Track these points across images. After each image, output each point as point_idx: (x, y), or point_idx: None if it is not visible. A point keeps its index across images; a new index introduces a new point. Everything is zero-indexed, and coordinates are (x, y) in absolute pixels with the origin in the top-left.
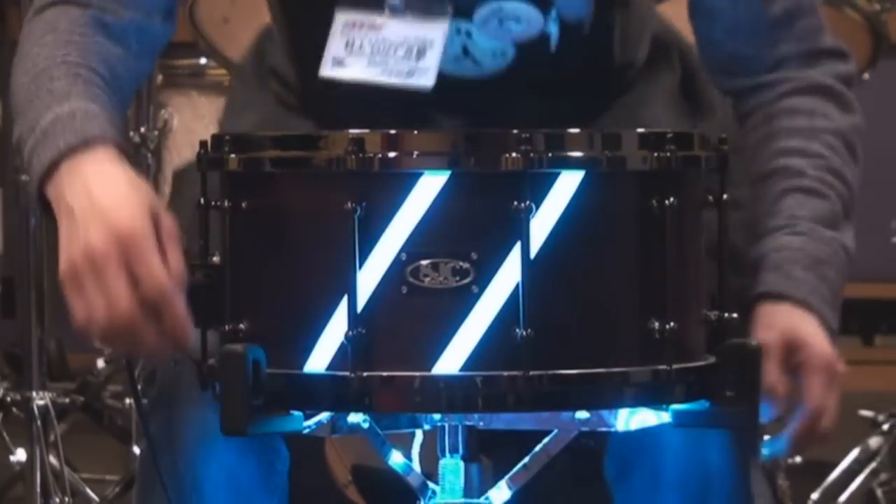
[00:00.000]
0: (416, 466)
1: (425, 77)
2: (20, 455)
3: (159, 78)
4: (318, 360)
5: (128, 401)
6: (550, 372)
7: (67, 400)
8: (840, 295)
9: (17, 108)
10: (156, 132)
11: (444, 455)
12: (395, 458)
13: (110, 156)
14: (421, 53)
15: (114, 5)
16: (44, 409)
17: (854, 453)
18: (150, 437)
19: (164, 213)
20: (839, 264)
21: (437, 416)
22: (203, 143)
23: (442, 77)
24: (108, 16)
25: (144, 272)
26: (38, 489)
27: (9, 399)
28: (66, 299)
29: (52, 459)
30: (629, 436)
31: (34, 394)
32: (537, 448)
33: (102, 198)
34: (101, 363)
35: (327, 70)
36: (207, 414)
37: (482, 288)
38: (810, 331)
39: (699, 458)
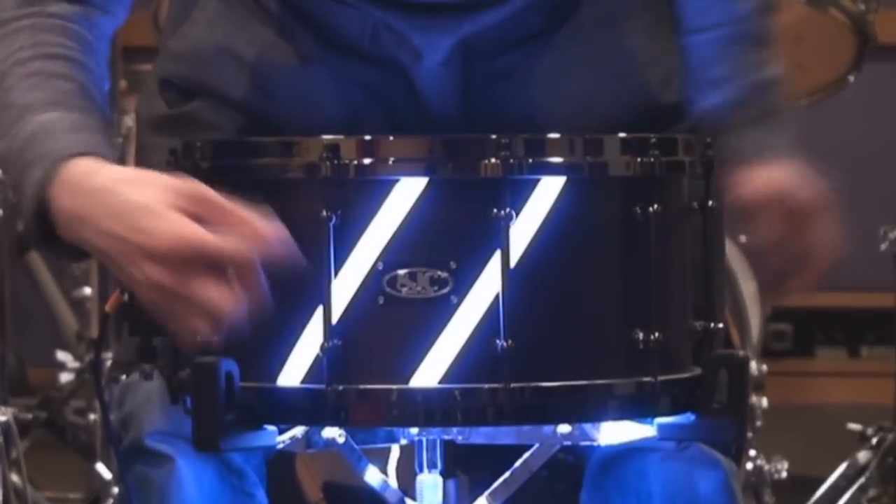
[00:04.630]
0: (393, 482)
1: None
2: None
3: (122, 83)
4: (293, 373)
5: (91, 416)
6: (531, 384)
7: (30, 416)
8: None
9: None
10: (119, 139)
11: (421, 471)
12: (372, 474)
13: (89, 168)
14: None
15: None
16: (6, 426)
17: (841, 468)
18: (120, 455)
19: (188, 186)
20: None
21: (414, 431)
22: (173, 150)
23: None
24: None
25: (213, 292)
26: None
27: None
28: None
29: (15, 477)
30: (608, 466)
31: None
32: (517, 463)
33: (125, 231)
34: (63, 378)
35: None
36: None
37: (461, 298)
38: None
39: (688, 488)
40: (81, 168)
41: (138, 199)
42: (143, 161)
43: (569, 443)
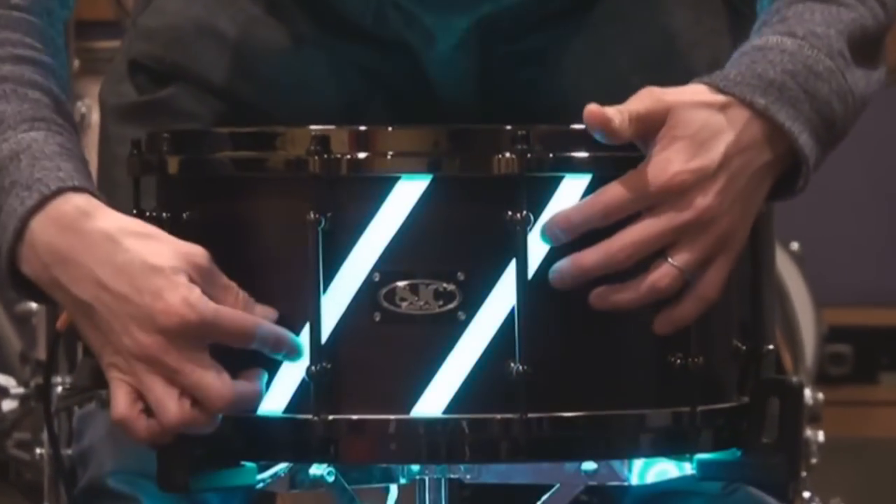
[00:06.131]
0: None
1: None
2: None
3: (76, 63)
4: (275, 400)
5: (38, 451)
6: (551, 414)
7: None
8: (834, 131)
9: None
10: None
11: None
12: None
13: (85, 207)
14: None
15: None
16: None
17: None
18: (75, 496)
19: (198, 254)
20: (840, 91)
21: (415, 468)
22: (136, 143)
23: None
24: None
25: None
26: None
27: None
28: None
29: None
30: None
31: None
32: None
33: (129, 290)
34: (5, 406)
35: None
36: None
37: (470, 314)
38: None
39: None
40: (75, 205)
41: (149, 258)
42: (107, 154)
43: (594, 483)
